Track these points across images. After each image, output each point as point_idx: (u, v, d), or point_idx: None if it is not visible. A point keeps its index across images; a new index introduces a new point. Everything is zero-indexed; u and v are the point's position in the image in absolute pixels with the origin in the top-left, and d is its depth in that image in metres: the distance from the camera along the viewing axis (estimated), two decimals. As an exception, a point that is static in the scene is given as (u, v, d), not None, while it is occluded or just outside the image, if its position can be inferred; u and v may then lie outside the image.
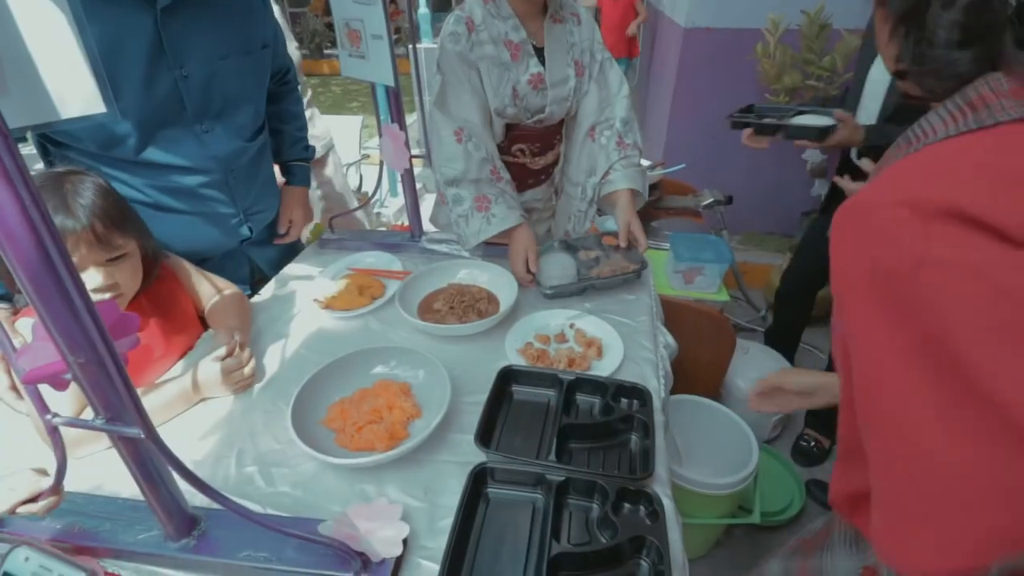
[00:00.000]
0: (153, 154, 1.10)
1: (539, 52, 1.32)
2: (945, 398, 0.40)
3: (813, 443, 1.95)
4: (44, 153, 1.11)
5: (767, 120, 1.63)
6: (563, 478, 0.79)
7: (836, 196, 1.73)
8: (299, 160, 1.49)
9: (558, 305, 1.24)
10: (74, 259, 0.84)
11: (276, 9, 1.41)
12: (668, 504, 0.79)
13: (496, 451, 0.85)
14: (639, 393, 0.94)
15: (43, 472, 0.68)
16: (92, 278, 0.89)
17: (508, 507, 0.79)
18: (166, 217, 1.17)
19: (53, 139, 1.09)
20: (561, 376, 0.97)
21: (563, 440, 0.87)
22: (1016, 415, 0.36)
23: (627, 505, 0.77)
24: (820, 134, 1.52)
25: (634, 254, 1.34)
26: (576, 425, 0.89)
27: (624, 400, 0.95)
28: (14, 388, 0.89)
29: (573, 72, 1.35)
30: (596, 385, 0.97)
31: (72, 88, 0.54)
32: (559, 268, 1.31)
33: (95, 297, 0.91)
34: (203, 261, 1.25)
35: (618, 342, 1.11)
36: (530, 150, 1.42)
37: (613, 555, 0.72)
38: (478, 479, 0.79)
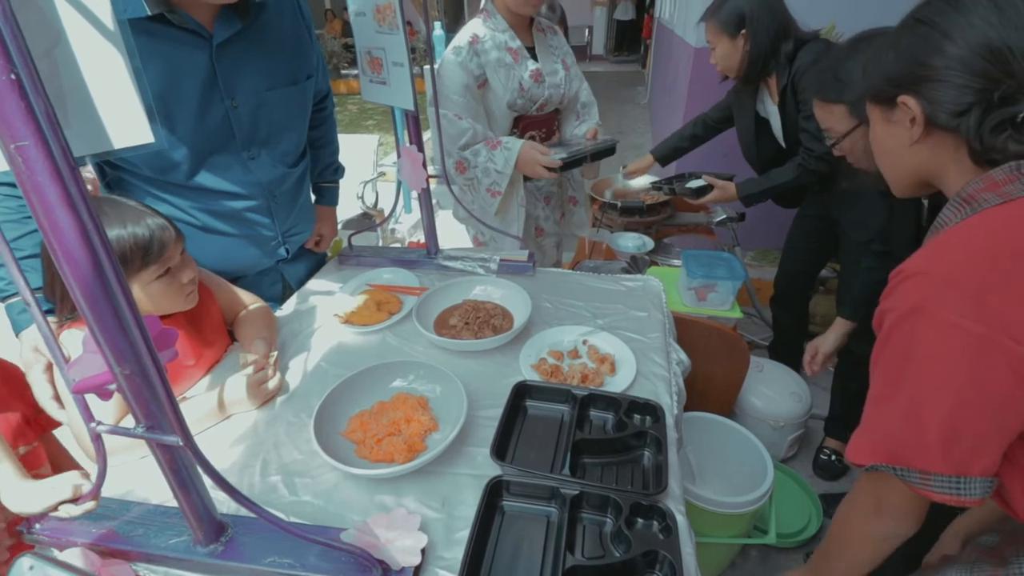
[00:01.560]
0: (203, 179, 1.16)
1: (531, 54, 1.71)
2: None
3: (833, 456, 1.93)
4: (102, 175, 1.18)
5: (669, 186, 2.10)
6: (577, 492, 0.80)
7: (810, 205, 1.95)
8: (330, 182, 1.59)
9: (571, 321, 1.26)
10: (175, 260, 0.96)
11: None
12: (681, 520, 0.80)
13: (511, 464, 0.88)
14: (652, 409, 0.96)
15: (86, 476, 0.71)
16: (187, 272, 0.99)
17: (523, 520, 0.82)
18: (211, 239, 1.23)
19: (111, 163, 1.15)
20: (575, 392, 0.99)
21: (577, 455, 0.89)
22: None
23: (640, 520, 0.79)
24: (696, 194, 1.96)
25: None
26: (590, 440, 0.91)
27: (637, 416, 0.97)
28: (56, 398, 0.94)
29: (561, 67, 1.77)
30: (609, 401, 0.99)
31: (124, 120, 0.59)
32: (555, 151, 1.66)
33: (191, 294, 1.00)
34: (238, 279, 1.31)
35: (631, 358, 1.13)
36: (539, 136, 1.80)
37: (627, 569, 0.73)
38: (493, 492, 0.81)
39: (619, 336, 1.19)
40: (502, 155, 1.64)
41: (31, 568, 0.47)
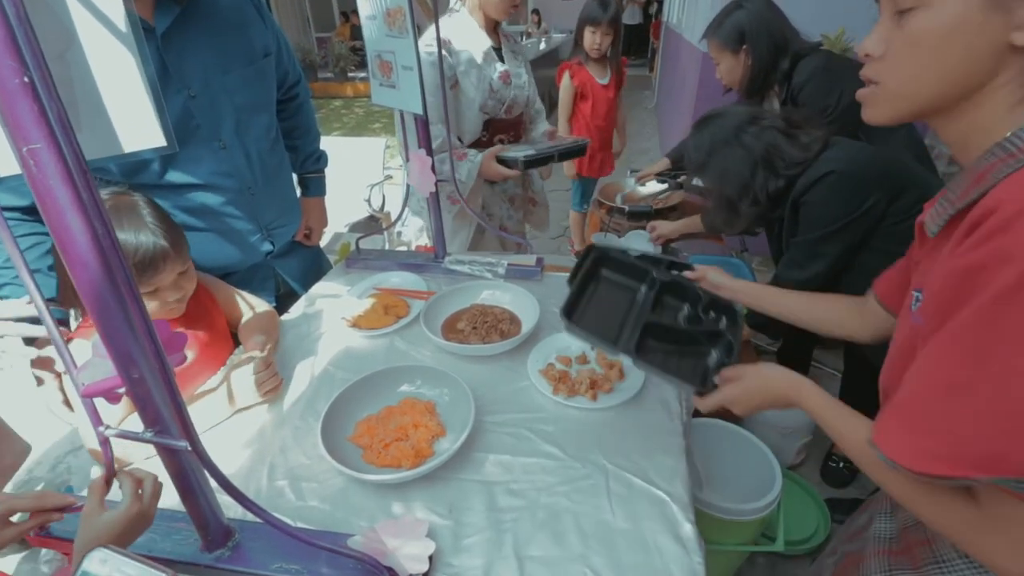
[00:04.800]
0: (175, 176, 1.15)
1: (499, 56, 1.72)
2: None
3: (842, 463, 1.92)
4: None
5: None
6: (669, 279, 0.94)
7: None
8: (313, 172, 1.57)
9: None
10: (162, 275, 0.93)
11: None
12: (690, 528, 0.79)
13: (579, 327, 0.84)
14: (731, 312, 0.94)
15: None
16: (173, 292, 0.97)
17: (618, 288, 0.98)
18: (191, 236, 1.19)
19: None
20: (656, 274, 0.97)
21: (644, 337, 0.86)
22: None
23: (713, 313, 0.92)
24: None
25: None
26: (661, 325, 0.89)
27: (713, 314, 0.95)
28: (67, 403, 0.94)
29: (524, 71, 1.81)
30: (689, 292, 0.96)
31: (137, 124, 0.59)
32: (520, 151, 1.63)
33: (173, 309, 0.98)
34: (228, 275, 1.30)
35: None
36: (507, 139, 1.82)
37: (692, 338, 0.86)
38: (596, 262, 0.96)
39: None
40: (466, 167, 1.64)
41: (103, 562, 0.46)
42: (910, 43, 0.57)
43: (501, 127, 1.78)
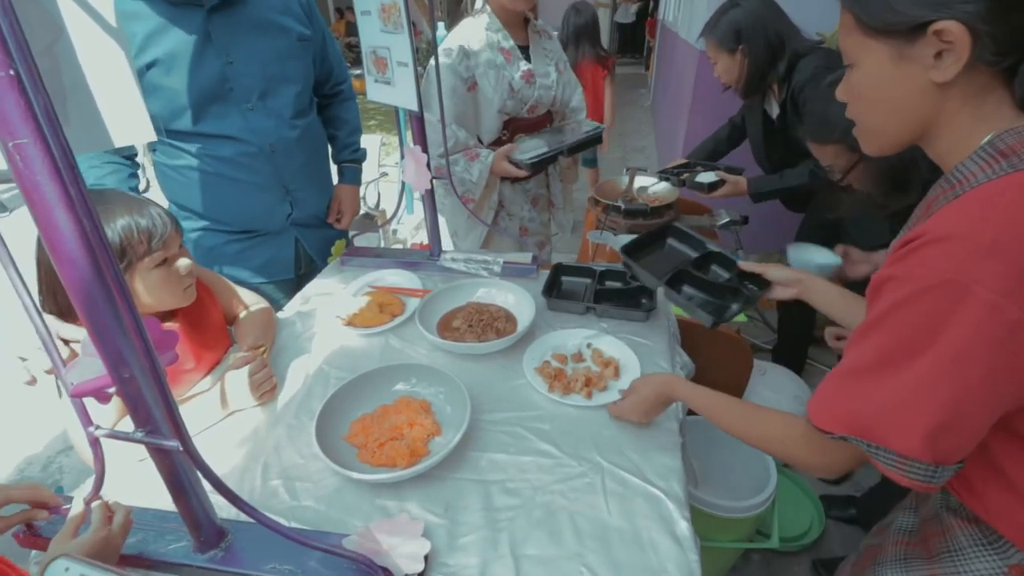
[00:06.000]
0: (206, 126, 1.31)
1: (524, 55, 1.68)
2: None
3: None
4: None
5: (678, 176, 2.02)
6: (708, 251, 1.18)
7: (816, 209, 1.92)
8: (349, 162, 1.71)
9: (575, 325, 1.25)
10: (173, 250, 0.95)
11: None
12: (685, 525, 0.79)
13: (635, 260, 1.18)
14: (760, 281, 1.07)
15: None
16: (185, 261, 0.98)
17: (672, 251, 1.25)
18: (220, 184, 1.38)
19: None
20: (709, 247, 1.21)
21: (679, 281, 1.13)
22: None
23: (746, 282, 1.09)
24: (709, 188, 1.89)
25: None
26: (694, 276, 1.14)
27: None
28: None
29: (554, 70, 1.75)
30: (732, 264, 1.13)
31: (125, 117, 0.58)
32: (532, 148, 1.61)
33: (186, 283, 0.99)
34: (253, 236, 1.47)
35: (635, 362, 1.11)
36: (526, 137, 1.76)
37: (716, 290, 1.10)
38: (663, 232, 1.27)
39: (623, 340, 1.18)
40: (478, 167, 1.63)
41: (67, 570, 0.46)
42: (854, 95, 0.67)
43: (522, 127, 1.75)
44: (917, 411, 0.56)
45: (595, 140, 1.71)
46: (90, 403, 0.60)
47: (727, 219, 2.18)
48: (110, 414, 0.90)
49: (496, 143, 1.72)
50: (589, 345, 1.18)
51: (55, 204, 0.45)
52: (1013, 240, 0.52)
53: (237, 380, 0.99)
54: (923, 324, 0.55)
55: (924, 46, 0.56)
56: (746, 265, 1.08)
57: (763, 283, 1.06)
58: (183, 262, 0.98)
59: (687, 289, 1.13)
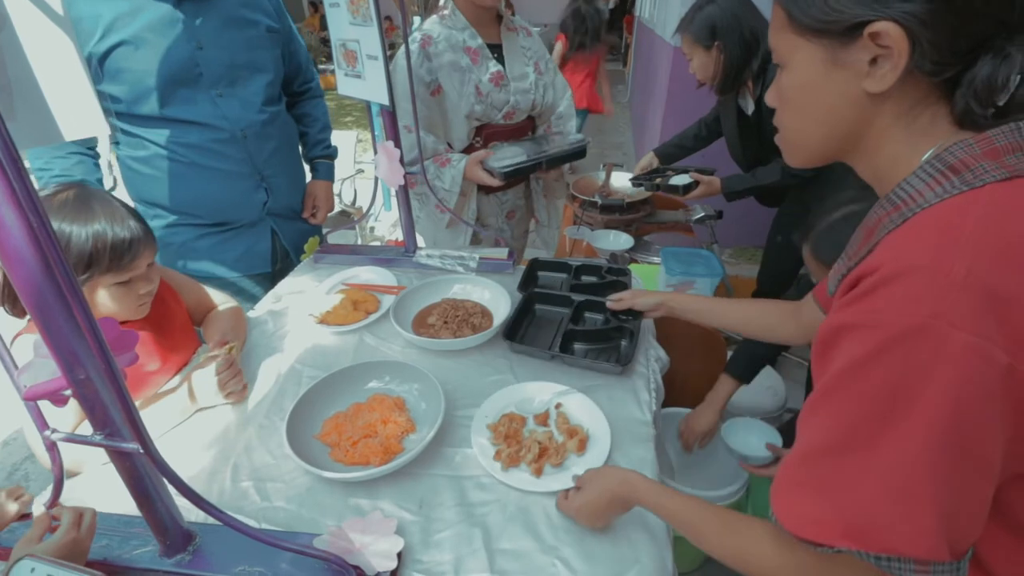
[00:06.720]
0: (174, 111, 1.29)
1: (497, 56, 1.54)
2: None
3: None
4: None
5: (652, 181, 2.00)
6: (583, 299, 1.24)
7: (789, 204, 1.95)
8: (321, 157, 1.72)
9: (547, 374, 1.08)
10: (139, 261, 0.92)
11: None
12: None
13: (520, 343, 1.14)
14: (634, 313, 1.16)
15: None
16: (144, 284, 0.95)
17: (547, 316, 1.27)
18: (192, 173, 1.36)
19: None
20: (574, 299, 1.25)
21: (569, 341, 1.16)
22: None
23: (621, 317, 1.18)
24: (683, 191, 1.89)
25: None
26: (580, 330, 1.18)
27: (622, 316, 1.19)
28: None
29: (532, 70, 1.60)
30: (602, 306, 1.20)
31: (75, 111, 0.56)
32: (509, 156, 1.50)
33: (143, 305, 0.97)
34: (228, 228, 1.45)
35: (605, 431, 0.94)
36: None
37: (602, 335, 1.17)
38: (528, 300, 1.26)
39: (596, 398, 1.00)
40: (449, 173, 1.52)
41: (32, 571, 0.45)
42: (782, 99, 0.60)
43: (498, 134, 1.59)
44: (918, 498, 0.45)
45: (579, 154, 1.60)
46: (50, 406, 0.58)
47: (701, 214, 2.22)
48: (71, 417, 0.87)
49: (468, 151, 1.60)
50: (558, 406, 1.00)
51: (0, 201, 0.43)
52: (988, 271, 0.43)
53: (203, 377, 0.97)
54: (899, 383, 0.45)
55: (859, 50, 0.50)
56: (614, 305, 1.16)
57: (636, 313, 1.16)
58: (145, 287, 0.96)
59: (578, 346, 1.17)
